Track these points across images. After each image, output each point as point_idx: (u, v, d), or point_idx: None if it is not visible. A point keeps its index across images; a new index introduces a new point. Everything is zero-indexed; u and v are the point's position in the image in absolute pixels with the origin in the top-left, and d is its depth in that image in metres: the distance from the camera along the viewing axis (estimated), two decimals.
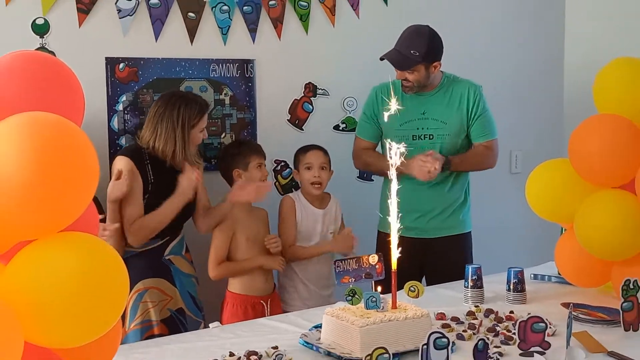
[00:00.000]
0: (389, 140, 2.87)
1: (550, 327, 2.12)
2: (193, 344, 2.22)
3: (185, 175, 2.83)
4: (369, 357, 1.72)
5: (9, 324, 1.32)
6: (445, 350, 1.81)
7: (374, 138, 3.26)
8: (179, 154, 2.82)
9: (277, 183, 3.49)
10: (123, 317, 2.76)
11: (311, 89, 3.55)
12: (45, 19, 2.94)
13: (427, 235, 3.18)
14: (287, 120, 3.51)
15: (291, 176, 3.43)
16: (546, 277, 2.93)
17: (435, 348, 1.81)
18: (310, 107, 3.56)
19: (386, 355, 1.74)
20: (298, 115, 3.53)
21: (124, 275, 1.47)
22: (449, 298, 2.68)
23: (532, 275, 2.95)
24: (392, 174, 2.15)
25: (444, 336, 1.81)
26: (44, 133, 1.39)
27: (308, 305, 3.12)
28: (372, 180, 3.59)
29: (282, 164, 3.47)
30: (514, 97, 4.11)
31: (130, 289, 2.74)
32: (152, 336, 2.71)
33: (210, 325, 2.50)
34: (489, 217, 3.75)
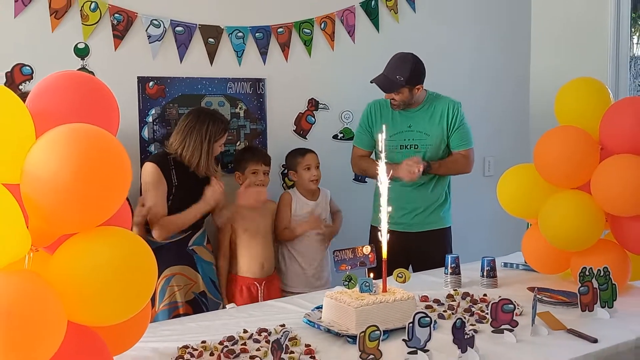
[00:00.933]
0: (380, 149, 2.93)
1: (517, 308, 2.12)
2: (212, 322, 2.23)
3: (211, 188, 2.83)
4: (362, 334, 1.73)
5: (54, 305, 1.32)
6: (428, 327, 1.81)
7: (369, 147, 3.26)
8: (203, 164, 2.82)
9: (284, 184, 3.49)
10: (153, 299, 2.77)
11: (313, 104, 3.55)
12: (85, 44, 2.94)
13: (413, 230, 3.17)
14: (293, 130, 3.51)
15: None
16: (514, 265, 2.93)
17: (420, 326, 1.81)
18: (313, 119, 3.56)
19: (377, 332, 1.73)
20: (302, 126, 3.53)
21: (153, 263, 1.48)
22: (432, 283, 2.67)
23: (502, 264, 2.95)
24: (382, 179, 2.15)
25: (427, 316, 1.82)
26: (84, 142, 1.39)
27: (303, 286, 3.17)
28: (366, 182, 3.59)
29: (287, 168, 3.47)
30: (488, 112, 4.12)
31: (159, 275, 2.77)
32: (178, 315, 2.72)
33: (227, 306, 2.50)
34: (466, 214, 3.75)
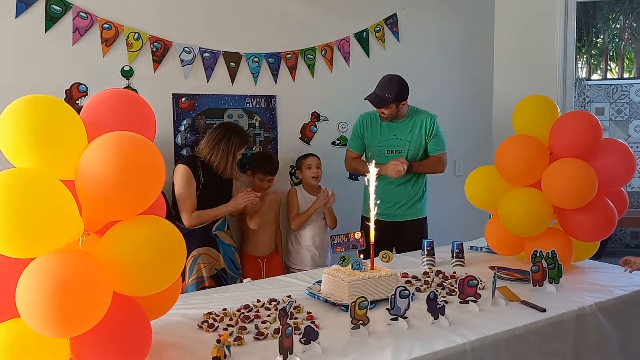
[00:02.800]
0: (370, 152, 2.93)
1: (480, 283, 2.12)
2: (232, 293, 2.22)
3: (245, 195, 2.84)
4: (353, 303, 1.72)
5: (102, 279, 1.33)
6: (408, 299, 1.81)
7: (360, 150, 3.25)
8: (228, 168, 2.82)
9: (291, 181, 3.49)
10: (183, 274, 2.77)
11: (315, 116, 3.54)
12: (130, 67, 2.94)
13: (396, 219, 3.16)
14: (299, 137, 3.50)
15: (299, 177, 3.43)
16: (479, 248, 2.91)
17: (400, 297, 1.81)
18: (315, 128, 3.54)
19: (365, 302, 1.73)
20: (306, 134, 3.52)
21: (182, 244, 1.47)
22: (411, 263, 2.66)
23: (469, 247, 2.93)
24: (371, 181, 2.15)
25: (407, 289, 1.81)
26: (127, 146, 1.39)
27: (307, 264, 3.17)
28: (358, 180, 3.57)
29: (295, 168, 3.47)
30: (458, 122, 4.08)
31: (188, 255, 2.77)
32: (203, 288, 2.71)
33: (244, 280, 2.50)
34: (440, 207, 3.72)
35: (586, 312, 1.99)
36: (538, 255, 2.22)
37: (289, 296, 2.11)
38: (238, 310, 1.94)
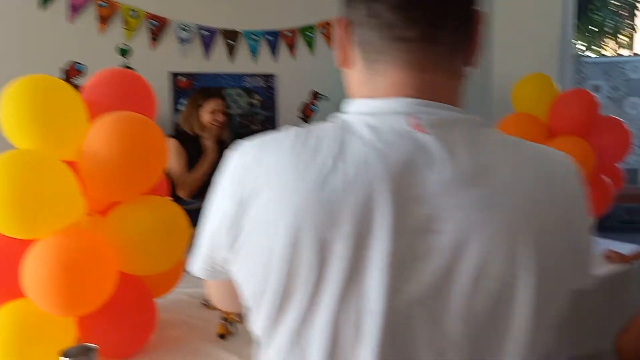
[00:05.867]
0: None
1: None
2: None
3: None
4: None
5: (107, 258, 1.33)
6: None
7: None
8: (189, 126, 2.72)
9: None
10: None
11: (315, 95, 3.52)
12: (127, 45, 2.90)
13: None
14: (299, 117, 3.49)
15: None
16: None
17: None
18: (315, 107, 3.53)
19: None
20: (306, 113, 3.50)
21: (185, 224, 1.46)
22: None
23: None
24: None
25: None
26: (130, 126, 1.38)
27: None
28: None
29: None
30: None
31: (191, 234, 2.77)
32: None
33: None
34: None
35: None
36: None
37: None
38: None
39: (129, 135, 1.35)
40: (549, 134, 2.44)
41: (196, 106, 2.73)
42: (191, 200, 2.81)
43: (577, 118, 2.35)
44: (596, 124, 2.40)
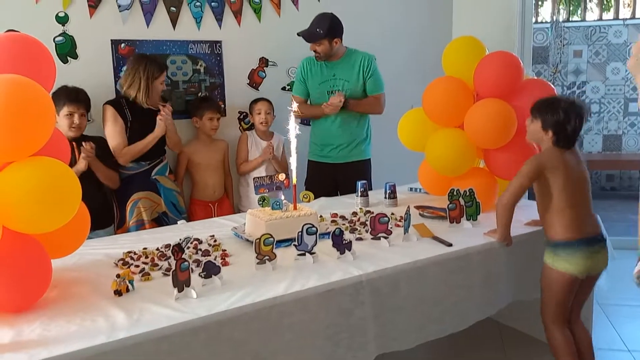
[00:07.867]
0: (311, 96, 2.94)
1: (394, 221, 2.17)
2: (163, 234, 2.27)
3: (160, 115, 2.83)
4: (258, 240, 1.78)
5: None
6: (315, 235, 1.88)
7: (304, 95, 3.26)
8: (145, 98, 2.80)
9: (240, 127, 3.50)
10: (124, 217, 2.83)
11: (264, 62, 3.51)
12: (65, 13, 2.89)
13: (339, 161, 3.20)
14: (247, 83, 3.48)
15: (250, 122, 3.44)
16: (417, 189, 2.98)
17: (307, 234, 1.87)
18: (264, 74, 3.52)
19: (271, 239, 1.80)
20: (255, 80, 3.50)
21: (75, 185, 1.50)
22: (347, 204, 2.72)
23: (409, 188, 3.00)
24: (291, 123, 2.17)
25: (313, 226, 1.88)
26: (12, 88, 1.41)
27: (255, 207, 3.19)
28: (309, 125, 3.58)
29: (244, 114, 3.47)
30: (415, 65, 3.98)
31: (128, 199, 2.83)
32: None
33: (178, 222, 2.56)
34: (387, 149, 3.66)
35: (495, 246, 2.07)
36: (455, 193, 2.28)
37: (212, 236, 2.17)
38: (157, 249, 2.00)
39: (11, 97, 1.39)
40: (476, 97, 2.46)
41: (147, 77, 2.78)
42: (132, 165, 2.86)
43: (499, 80, 2.37)
44: (521, 86, 2.42)
